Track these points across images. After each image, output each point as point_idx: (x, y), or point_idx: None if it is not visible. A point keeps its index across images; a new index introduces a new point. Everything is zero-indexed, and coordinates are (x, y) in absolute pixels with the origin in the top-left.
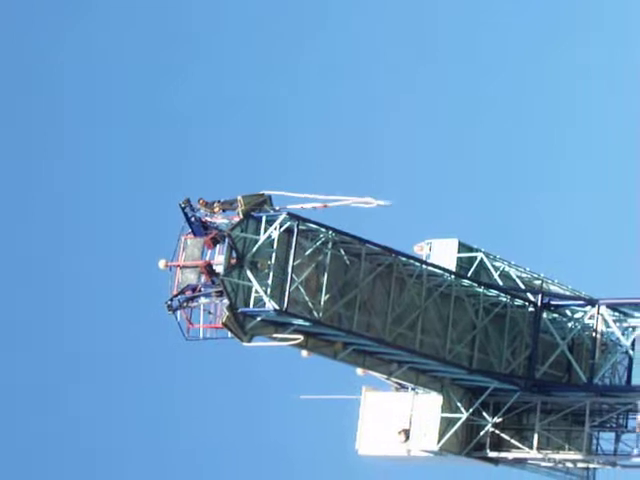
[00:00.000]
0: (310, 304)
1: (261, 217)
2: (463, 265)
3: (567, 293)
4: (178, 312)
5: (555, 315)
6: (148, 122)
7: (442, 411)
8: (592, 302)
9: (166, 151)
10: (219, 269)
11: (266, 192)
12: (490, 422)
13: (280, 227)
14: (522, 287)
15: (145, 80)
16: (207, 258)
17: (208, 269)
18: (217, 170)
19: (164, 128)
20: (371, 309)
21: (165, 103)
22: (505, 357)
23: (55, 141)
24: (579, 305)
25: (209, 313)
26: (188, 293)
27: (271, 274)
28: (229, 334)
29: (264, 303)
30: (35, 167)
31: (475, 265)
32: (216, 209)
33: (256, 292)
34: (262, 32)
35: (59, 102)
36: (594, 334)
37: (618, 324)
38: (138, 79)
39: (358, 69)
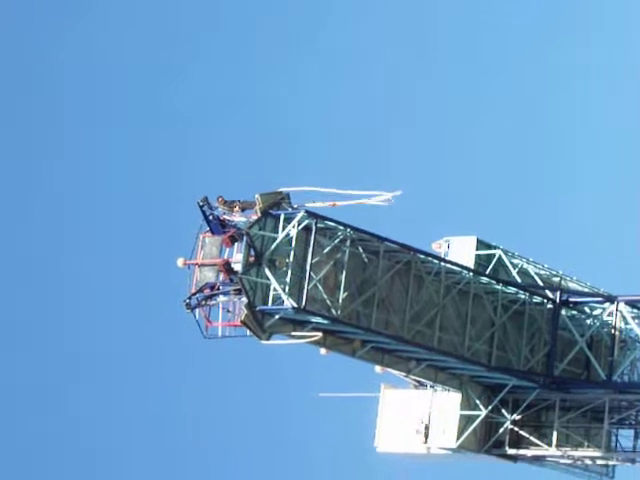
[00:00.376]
0: (328, 302)
1: (279, 215)
2: (481, 262)
3: (586, 290)
4: (197, 310)
5: (574, 312)
6: (163, 120)
7: (461, 408)
8: (611, 299)
9: (184, 149)
10: (237, 267)
11: (284, 189)
12: (509, 419)
13: (298, 225)
14: (540, 284)
15: (157, 78)
16: (225, 256)
17: (226, 267)
18: (234, 168)
19: (181, 126)
20: (389, 306)
21: (177, 102)
22: (524, 354)
23: (68, 140)
24: (598, 302)
25: (227, 311)
26: (207, 291)
27: (289, 272)
28: (248, 332)
29: (282, 301)
30: (43, 167)
31: (493, 262)
32: (235, 208)
33: (274, 290)
34: (267, 29)
35: (65, 102)
36: (613, 331)
37: (637, 321)
38: (148, 78)
39: (368, 66)
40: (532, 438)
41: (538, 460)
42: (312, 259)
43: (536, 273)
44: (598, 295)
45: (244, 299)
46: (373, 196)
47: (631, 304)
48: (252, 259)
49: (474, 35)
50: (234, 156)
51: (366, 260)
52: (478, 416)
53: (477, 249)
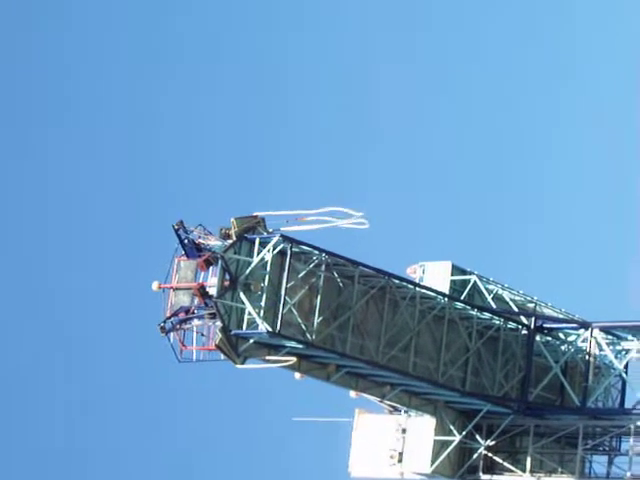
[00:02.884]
0: (303, 326)
1: (254, 239)
2: (456, 288)
3: (560, 316)
4: (171, 334)
5: (548, 338)
6: (143, 141)
7: (435, 434)
8: (585, 325)
9: (160, 173)
10: (212, 291)
11: (259, 214)
12: (483, 445)
13: (273, 249)
14: (515, 310)
15: (135, 97)
16: (200, 280)
17: (201, 291)
18: (209, 191)
19: (159, 149)
20: (364, 331)
21: (155, 124)
22: (498, 380)
23: (50, 157)
24: (572, 328)
25: (202, 335)
26: (181, 315)
27: (264, 296)
28: (222, 356)
29: (257, 325)
30: (30, 185)
31: (468, 288)
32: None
33: (249, 314)
34: (241, 47)
35: (46, 118)
36: (587, 357)
37: (611, 347)
38: (127, 97)
39: (342, 83)
40: (506, 464)
41: None
42: (287, 283)
43: (511, 299)
44: (573, 321)
45: (219, 323)
46: (339, 213)
47: (605, 330)
48: (227, 283)
49: (452, 61)
50: (209, 179)
51: (341, 285)
52: (452, 441)
53: (452, 274)
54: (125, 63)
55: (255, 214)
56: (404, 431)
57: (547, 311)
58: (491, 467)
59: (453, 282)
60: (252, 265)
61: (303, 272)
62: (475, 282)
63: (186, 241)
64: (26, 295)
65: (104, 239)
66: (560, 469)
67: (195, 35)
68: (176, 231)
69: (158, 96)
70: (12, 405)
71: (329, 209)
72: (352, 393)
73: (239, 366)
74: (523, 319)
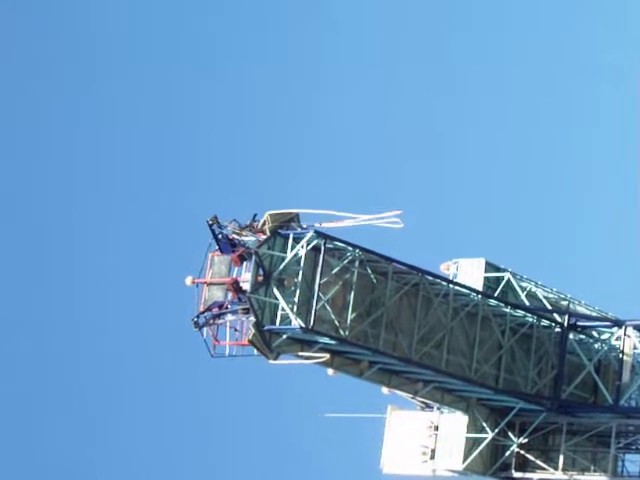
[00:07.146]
0: (336, 322)
1: (288, 235)
2: (490, 285)
3: (594, 314)
4: (204, 329)
5: (582, 336)
6: (174, 137)
7: (467, 431)
8: (619, 323)
9: (193, 168)
10: (246, 286)
11: (294, 210)
12: (515, 442)
13: (307, 245)
14: (549, 308)
15: (166, 95)
16: (234, 275)
17: (235, 286)
18: (242, 187)
19: (192, 143)
20: (397, 328)
21: (189, 121)
22: (531, 377)
23: (74, 158)
24: (606, 326)
25: (235, 330)
26: (215, 310)
27: (298, 292)
28: (255, 351)
29: (290, 321)
30: (53, 180)
31: (502, 285)
32: (244, 232)
33: (282, 310)
34: (270, 44)
35: (77, 117)
36: (621, 355)
37: None
38: (157, 93)
39: (375, 82)
40: (538, 462)
41: None
42: (321, 279)
43: (544, 296)
44: (606, 319)
45: (252, 318)
46: (380, 218)
47: (639, 329)
48: (261, 278)
49: (486, 57)
50: (243, 176)
51: (375, 281)
52: (485, 439)
53: (486, 271)
54: (160, 54)
55: (289, 210)
56: (436, 428)
57: (580, 309)
58: (523, 465)
59: (487, 279)
60: (286, 261)
61: (337, 268)
62: (509, 279)
63: (220, 236)
64: (59, 289)
65: (138, 234)
66: (592, 467)
67: (230, 32)
68: (210, 226)
69: (195, 91)
70: (37, 403)
71: (367, 217)
72: (384, 390)
73: (272, 362)
74: (556, 317)
